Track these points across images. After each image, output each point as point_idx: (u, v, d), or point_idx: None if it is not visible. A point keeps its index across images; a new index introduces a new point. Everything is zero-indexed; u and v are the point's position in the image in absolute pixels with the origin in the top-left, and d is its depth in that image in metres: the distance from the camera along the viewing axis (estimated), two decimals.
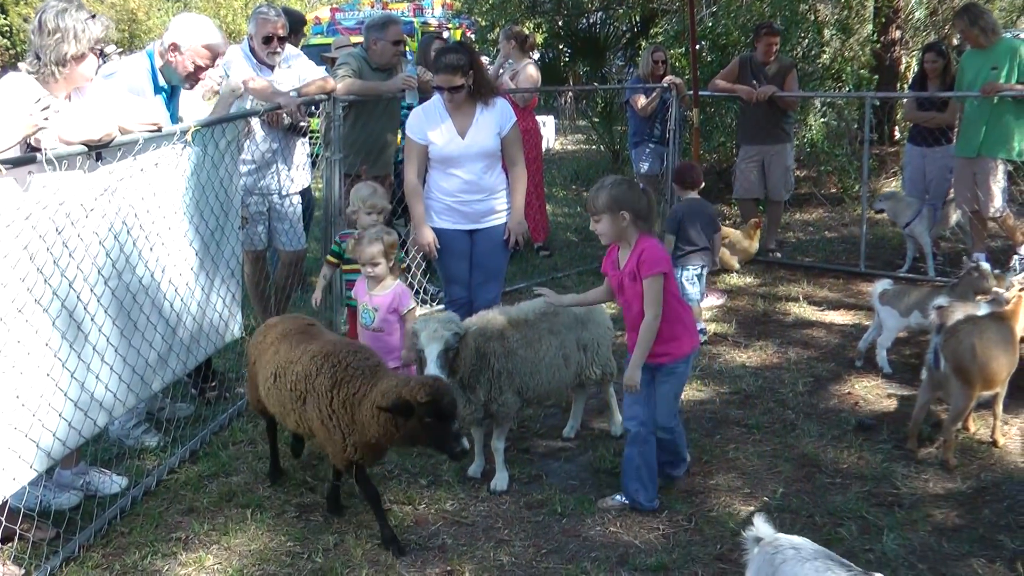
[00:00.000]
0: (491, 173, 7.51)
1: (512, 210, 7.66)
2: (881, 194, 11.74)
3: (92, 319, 5.47)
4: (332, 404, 5.38)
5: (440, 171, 7.43)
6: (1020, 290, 7.05)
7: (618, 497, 5.96)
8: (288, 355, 5.72)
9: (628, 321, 5.84)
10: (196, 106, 7.37)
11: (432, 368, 5.76)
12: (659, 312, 5.60)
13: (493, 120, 7.41)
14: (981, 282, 7.92)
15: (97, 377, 5.53)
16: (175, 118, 6.90)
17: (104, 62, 6.59)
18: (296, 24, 10.17)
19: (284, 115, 8.13)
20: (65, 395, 5.24)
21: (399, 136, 9.87)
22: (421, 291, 10.14)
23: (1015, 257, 10.54)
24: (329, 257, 7.65)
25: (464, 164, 7.36)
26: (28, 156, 4.88)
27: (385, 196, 7.71)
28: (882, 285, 8.23)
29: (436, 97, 7.42)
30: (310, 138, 8.98)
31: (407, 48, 10.55)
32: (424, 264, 10.29)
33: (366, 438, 5.31)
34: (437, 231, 7.45)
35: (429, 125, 7.33)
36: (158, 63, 6.81)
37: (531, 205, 12.45)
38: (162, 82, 6.83)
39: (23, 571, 5.16)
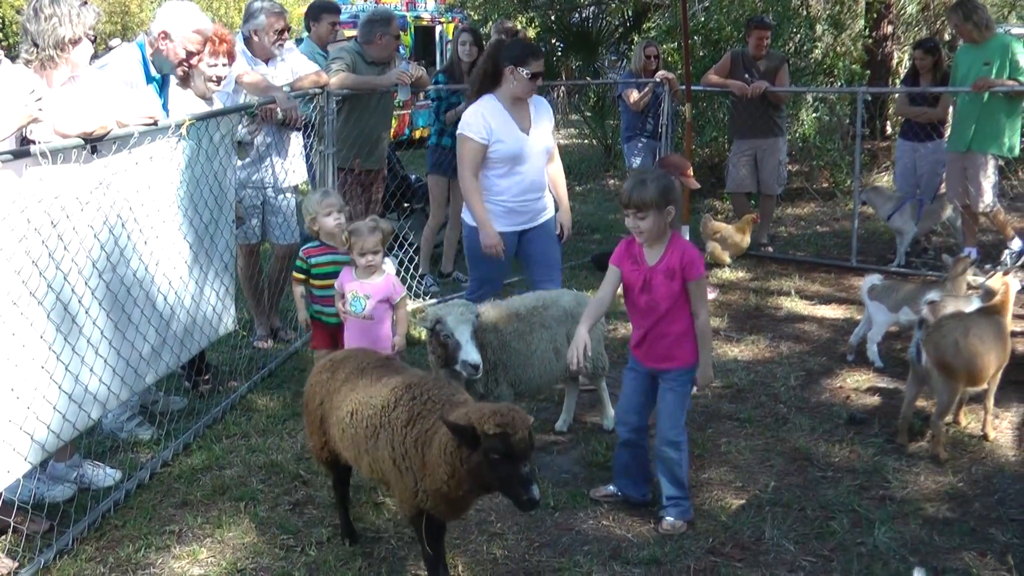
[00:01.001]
0: (544, 170, 7.39)
1: (560, 202, 7.62)
2: (864, 191, 11.77)
3: (86, 312, 5.48)
4: (405, 441, 4.63)
5: (503, 171, 7.14)
6: (1003, 279, 7.07)
7: (611, 487, 5.98)
8: (368, 390, 4.97)
9: (643, 319, 5.57)
10: (193, 103, 7.35)
11: (469, 349, 5.79)
12: (708, 311, 5.62)
13: (545, 115, 7.34)
14: (968, 275, 7.96)
15: (91, 370, 5.54)
16: (166, 107, 6.90)
17: (108, 51, 6.60)
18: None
19: (278, 109, 8.13)
20: (59, 387, 5.24)
21: (392, 130, 9.91)
22: (415, 285, 10.15)
23: (1006, 251, 10.59)
24: (296, 274, 7.00)
25: (529, 161, 7.16)
26: (24, 149, 4.89)
27: (338, 194, 7.45)
28: (871, 280, 8.26)
29: (489, 97, 7.11)
30: (304, 131, 8.98)
31: (400, 43, 10.56)
32: (416, 258, 10.31)
33: (437, 483, 4.50)
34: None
35: (494, 124, 7.02)
36: (148, 52, 6.80)
37: None
38: (154, 72, 6.82)
39: (16, 564, 5.15)
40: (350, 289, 6.54)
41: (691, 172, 9.42)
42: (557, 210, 7.62)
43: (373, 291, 6.51)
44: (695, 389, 5.73)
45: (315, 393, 5.29)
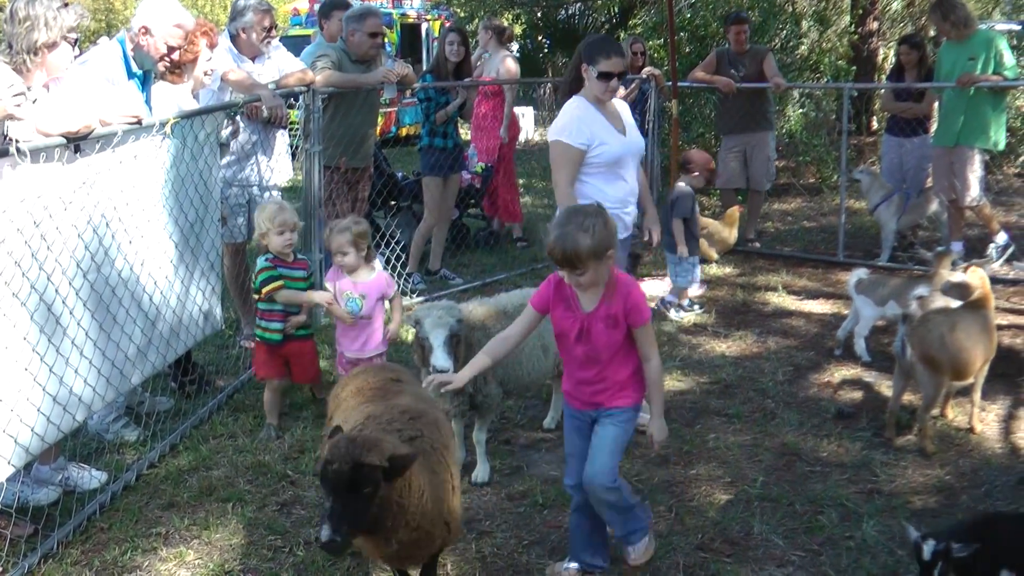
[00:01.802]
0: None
1: (648, 207, 7.11)
2: (863, 166, 11.77)
3: (71, 312, 5.45)
4: None
5: (606, 177, 6.55)
6: (979, 272, 7.08)
7: (572, 565, 5.12)
8: (350, 413, 4.75)
9: (581, 370, 4.78)
10: (180, 99, 7.32)
11: (439, 354, 5.72)
12: (659, 358, 4.81)
13: (628, 115, 6.83)
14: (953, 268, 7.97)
15: (76, 371, 5.51)
16: (148, 103, 6.87)
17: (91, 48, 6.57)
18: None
19: (263, 108, 8.11)
20: (43, 389, 5.21)
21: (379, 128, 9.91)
22: (402, 283, 10.14)
23: (991, 245, 10.60)
24: (273, 284, 6.78)
25: (628, 165, 6.66)
26: (4, 148, 4.86)
27: (294, 211, 7.04)
28: (858, 274, 8.27)
29: (578, 98, 6.55)
30: (290, 130, 8.97)
31: (385, 40, 10.53)
32: (403, 258, 10.29)
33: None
34: None
35: (593, 126, 6.46)
36: (129, 48, 6.77)
37: (511, 195, 12.51)
38: (135, 68, 6.79)
39: (0, 568, 5.13)
40: (343, 289, 6.52)
41: (714, 165, 9.57)
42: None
43: (368, 289, 6.50)
44: (654, 448, 4.89)
45: (330, 406, 5.19)
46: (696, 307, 9.54)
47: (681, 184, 9.45)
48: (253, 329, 8.48)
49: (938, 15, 10.28)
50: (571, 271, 4.49)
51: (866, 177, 11.41)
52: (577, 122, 6.43)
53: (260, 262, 6.83)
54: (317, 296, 6.90)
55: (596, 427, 4.83)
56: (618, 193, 6.57)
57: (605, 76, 6.36)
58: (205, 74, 7.45)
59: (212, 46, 7.46)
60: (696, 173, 9.55)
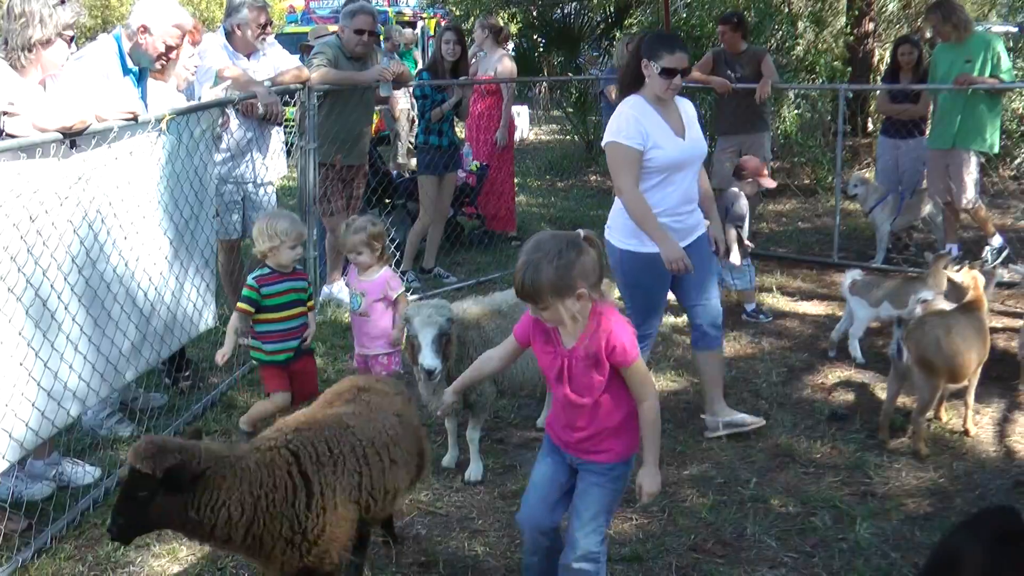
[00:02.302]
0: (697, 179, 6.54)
1: (709, 214, 6.75)
2: (854, 176, 11.75)
3: (65, 308, 5.44)
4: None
5: (657, 182, 6.24)
6: (972, 274, 7.11)
7: None
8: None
9: (565, 412, 4.28)
10: (172, 96, 7.32)
11: (427, 353, 5.71)
12: (656, 395, 4.25)
13: (693, 116, 6.50)
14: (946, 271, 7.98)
15: (70, 367, 5.50)
16: (144, 99, 6.86)
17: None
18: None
19: (259, 104, 8.11)
20: (38, 384, 5.21)
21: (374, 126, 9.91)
22: None
23: (987, 248, 10.60)
24: (243, 305, 6.27)
25: (686, 169, 6.32)
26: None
27: (301, 221, 6.71)
28: (852, 276, 8.29)
29: (636, 98, 6.28)
30: (285, 127, 8.96)
31: (379, 38, 10.52)
32: (397, 256, 10.29)
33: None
34: (647, 259, 6.25)
35: (649, 127, 6.16)
36: (126, 46, 6.75)
37: (506, 194, 12.51)
38: (131, 65, 6.78)
39: None
40: (349, 288, 6.50)
41: (767, 171, 9.59)
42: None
43: (369, 287, 6.49)
44: (642, 500, 4.27)
45: None
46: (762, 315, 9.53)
47: (735, 190, 9.44)
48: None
49: (939, 16, 10.27)
50: (532, 305, 4.06)
51: (861, 188, 11.39)
52: (632, 122, 6.14)
53: (251, 281, 6.34)
54: (225, 351, 6.26)
55: (579, 481, 4.34)
56: (671, 201, 6.28)
57: (668, 73, 6.10)
58: (186, 69, 7.49)
59: (194, 44, 7.47)
60: (749, 179, 9.55)
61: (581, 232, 4.09)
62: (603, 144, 6.35)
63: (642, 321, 6.38)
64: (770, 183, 9.61)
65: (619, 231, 6.38)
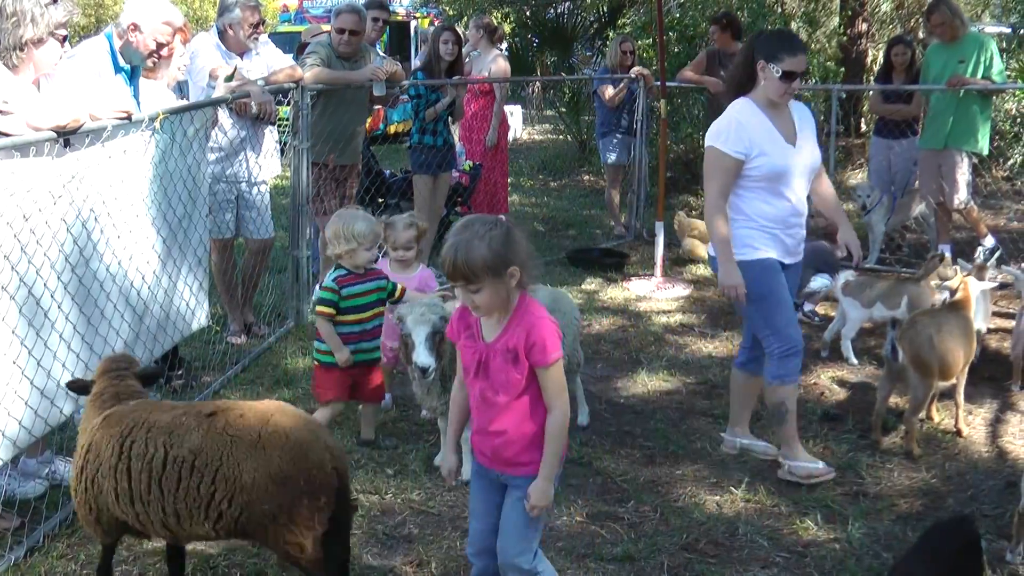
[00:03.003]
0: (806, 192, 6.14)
1: (841, 223, 6.37)
2: (863, 186, 11.73)
3: (58, 306, 5.43)
4: None
5: (764, 192, 5.90)
6: (966, 275, 7.16)
7: None
8: None
9: (480, 412, 4.15)
10: (164, 95, 7.32)
11: (421, 351, 5.69)
12: (567, 406, 4.06)
13: (808, 124, 6.12)
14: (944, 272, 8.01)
15: (63, 365, 5.50)
16: (136, 99, 6.86)
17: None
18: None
19: (252, 104, 8.11)
20: (31, 383, 5.20)
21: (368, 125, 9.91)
22: None
23: (979, 248, 10.63)
24: (323, 308, 6.31)
25: (794, 180, 5.94)
26: None
27: (374, 220, 6.68)
28: (844, 276, 8.30)
29: (745, 101, 5.97)
30: (278, 126, 8.96)
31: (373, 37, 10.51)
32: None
33: None
34: (766, 263, 5.95)
35: (756, 133, 5.83)
36: (117, 44, 6.75)
37: (498, 194, 12.51)
38: (122, 63, 6.77)
39: None
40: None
41: None
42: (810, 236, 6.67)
43: (407, 284, 6.50)
44: (530, 512, 4.10)
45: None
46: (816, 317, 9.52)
47: None
48: (239, 325, 8.51)
49: (947, 11, 10.25)
50: (465, 286, 3.86)
51: (864, 191, 11.37)
52: (736, 128, 5.84)
53: (330, 282, 6.38)
54: (341, 357, 6.29)
55: (506, 496, 4.20)
56: (779, 212, 5.94)
57: (789, 76, 5.79)
58: (178, 69, 7.49)
59: (184, 42, 7.48)
60: None
61: (503, 218, 4.00)
62: (705, 144, 6.04)
63: (787, 334, 6.02)
64: None
65: (733, 241, 5.95)
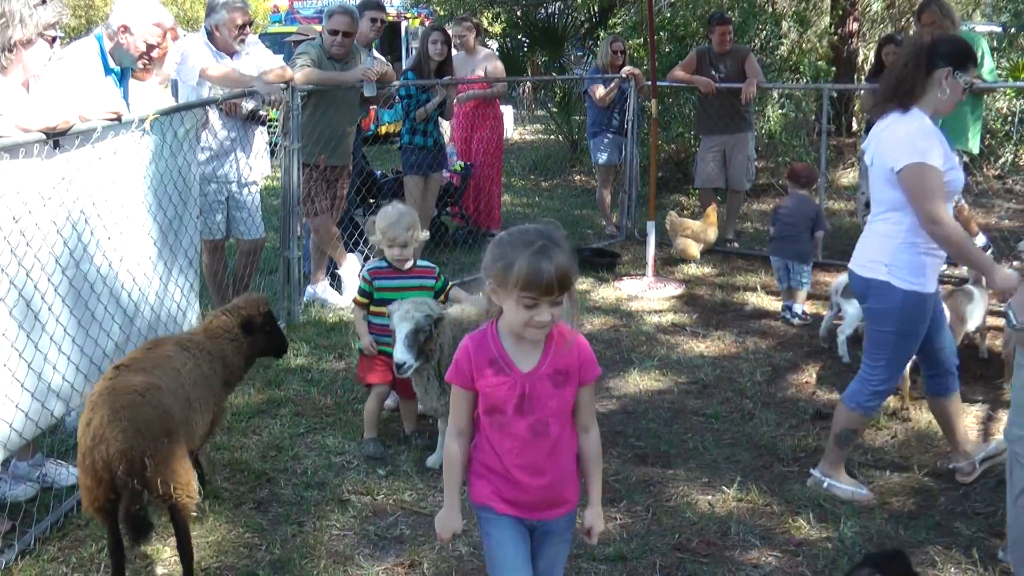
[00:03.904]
0: None
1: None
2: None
3: (49, 308, 5.42)
4: (218, 374, 5.58)
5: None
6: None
7: None
8: (183, 358, 5.32)
9: (523, 456, 3.66)
10: (154, 95, 7.31)
11: (399, 347, 5.72)
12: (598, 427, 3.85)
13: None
14: None
15: (54, 367, 5.49)
16: (126, 100, 6.85)
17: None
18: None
19: (243, 104, 8.11)
20: (22, 385, 5.19)
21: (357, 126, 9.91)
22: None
23: None
24: (359, 297, 6.61)
25: (952, 197, 5.60)
26: None
27: (409, 216, 6.61)
28: (843, 280, 8.30)
29: (918, 113, 5.50)
30: (269, 127, 8.96)
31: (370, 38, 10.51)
32: (368, 255, 10.27)
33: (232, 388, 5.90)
34: (932, 300, 5.61)
35: (944, 145, 5.41)
36: (107, 46, 6.74)
37: (493, 192, 12.53)
38: (112, 64, 6.77)
39: None
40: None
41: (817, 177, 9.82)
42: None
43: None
44: (592, 541, 3.90)
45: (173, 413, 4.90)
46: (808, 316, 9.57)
47: (805, 193, 9.64)
48: None
49: (937, 11, 10.25)
50: (551, 300, 3.40)
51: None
52: (935, 141, 5.38)
53: (364, 273, 6.65)
54: (364, 343, 6.58)
55: (545, 546, 3.85)
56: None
57: (968, 86, 5.55)
58: (162, 80, 7.54)
59: (175, 39, 7.51)
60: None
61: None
62: (899, 166, 5.37)
63: (896, 374, 5.84)
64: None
65: (906, 269, 5.48)
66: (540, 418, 3.60)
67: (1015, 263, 8.93)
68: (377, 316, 6.46)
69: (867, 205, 10.99)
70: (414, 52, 12.61)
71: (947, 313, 6.60)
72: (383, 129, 21.41)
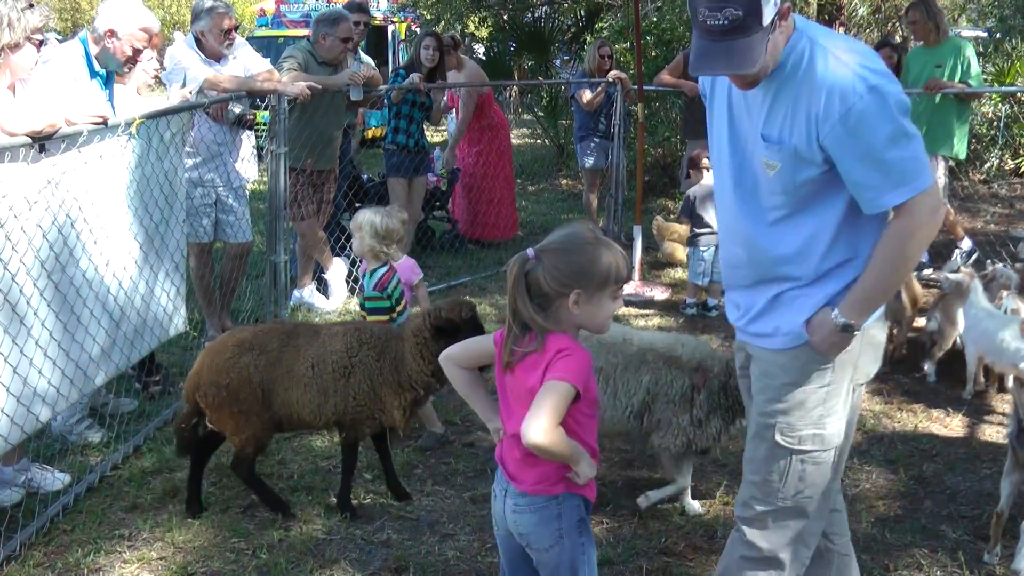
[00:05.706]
0: None
1: None
2: None
3: (35, 312, 5.41)
4: (383, 369, 5.56)
5: None
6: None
7: None
8: (318, 346, 5.63)
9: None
10: (131, 100, 7.30)
11: None
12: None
13: None
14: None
15: (39, 372, 5.47)
16: (111, 103, 6.85)
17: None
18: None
19: (230, 108, 8.12)
20: (7, 390, 5.17)
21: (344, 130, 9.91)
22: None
23: (956, 251, 10.67)
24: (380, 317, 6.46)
25: None
26: None
27: (391, 217, 6.59)
28: None
29: None
30: (256, 131, 8.95)
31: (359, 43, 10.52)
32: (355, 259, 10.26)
33: (415, 390, 5.59)
34: None
35: None
36: (93, 49, 6.74)
37: (504, 201, 12.59)
38: (98, 68, 6.76)
39: None
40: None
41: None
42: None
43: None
44: None
45: (248, 377, 5.58)
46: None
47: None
48: (216, 330, 8.47)
49: (923, 13, 10.29)
50: (620, 288, 3.46)
51: None
52: None
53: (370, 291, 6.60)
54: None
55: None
56: None
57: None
58: (150, 72, 7.55)
59: (154, 47, 7.49)
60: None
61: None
62: None
63: None
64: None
65: None
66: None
67: (1016, 264, 8.94)
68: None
69: None
70: (402, 54, 12.61)
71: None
72: (369, 133, 21.39)
